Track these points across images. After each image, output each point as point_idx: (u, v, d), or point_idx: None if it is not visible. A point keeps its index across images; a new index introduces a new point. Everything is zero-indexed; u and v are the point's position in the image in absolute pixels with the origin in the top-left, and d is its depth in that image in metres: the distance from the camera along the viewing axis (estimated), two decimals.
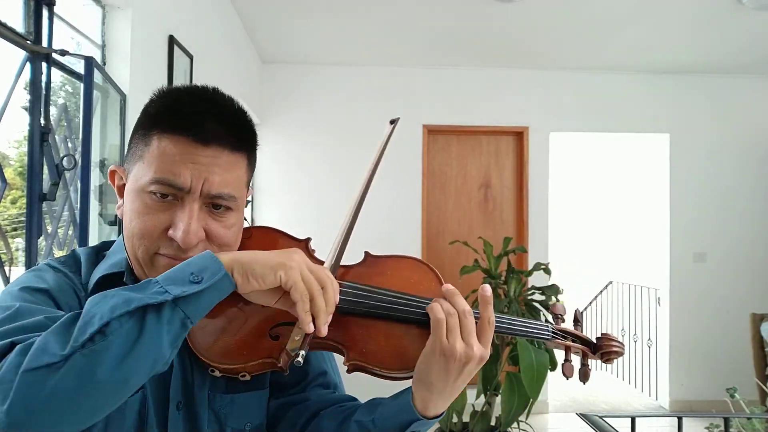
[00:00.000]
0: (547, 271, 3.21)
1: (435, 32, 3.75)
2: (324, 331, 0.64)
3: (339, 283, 0.72)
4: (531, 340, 2.96)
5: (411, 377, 0.72)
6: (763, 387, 3.43)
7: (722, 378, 4.08)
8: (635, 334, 5.12)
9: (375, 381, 0.75)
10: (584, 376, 0.79)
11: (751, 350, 3.73)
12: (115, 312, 0.55)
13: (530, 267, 3.53)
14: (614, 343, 0.79)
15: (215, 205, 0.72)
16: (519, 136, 4.54)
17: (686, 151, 4.53)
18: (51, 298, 0.69)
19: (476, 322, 0.71)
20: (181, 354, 0.75)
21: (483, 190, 4.57)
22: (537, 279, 3.86)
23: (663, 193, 4.60)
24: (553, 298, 3.07)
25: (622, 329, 5.32)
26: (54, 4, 1.59)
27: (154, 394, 0.73)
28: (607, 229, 7.00)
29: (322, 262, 0.77)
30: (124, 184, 0.75)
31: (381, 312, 0.73)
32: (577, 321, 0.83)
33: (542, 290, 3.09)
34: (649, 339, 4.88)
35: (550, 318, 0.83)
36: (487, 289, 0.72)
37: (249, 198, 0.85)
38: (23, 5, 1.53)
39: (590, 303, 5.91)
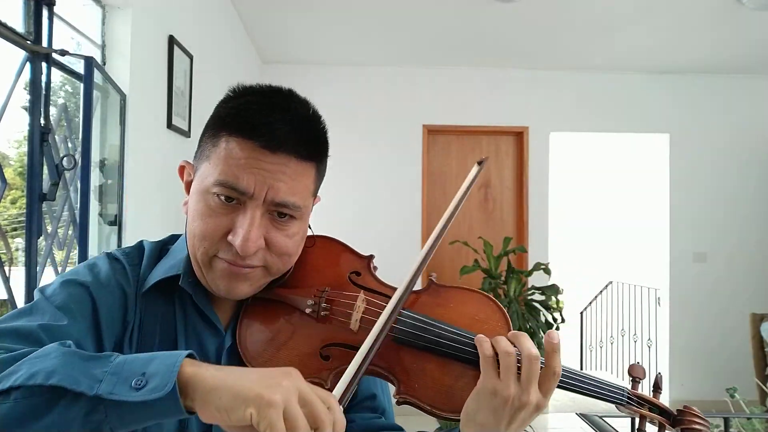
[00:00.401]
0: (547, 271, 3.21)
1: (435, 32, 3.75)
2: None
3: (400, 312, 0.69)
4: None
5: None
6: (763, 387, 3.43)
7: (722, 378, 4.07)
8: (635, 334, 5.12)
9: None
10: None
11: (751, 350, 3.73)
12: (32, 380, 0.49)
13: (530, 267, 3.53)
14: (698, 420, 0.69)
15: (279, 213, 0.70)
16: (519, 136, 4.54)
17: (686, 151, 4.53)
18: (88, 294, 0.68)
19: (540, 369, 0.65)
20: (230, 360, 0.74)
21: (483, 190, 4.57)
22: (537, 279, 3.87)
23: (663, 193, 4.60)
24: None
25: (622, 329, 5.32)
26: (54, 4, 1.59)
27: None
28: (607, 229, 7.00)
29: (388, 286, 0.74)
30: (192, 181, 0.74)
31: (439, 348, 0.68)
32: (658, 387, 0.73)
33: (542, 290, 3.09)
34: (649, 339, 4.88)
35: (623, 382, 0.73)
36: (555, 336, 0.64)
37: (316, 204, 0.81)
38: (23, 5, 1.53)
39: (590, 303, 5.91)
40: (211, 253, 0.70)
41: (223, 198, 0.68)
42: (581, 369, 5.84)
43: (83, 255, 1.57)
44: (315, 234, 0.81)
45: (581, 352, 5.59)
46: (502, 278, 3.18)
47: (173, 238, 0.82)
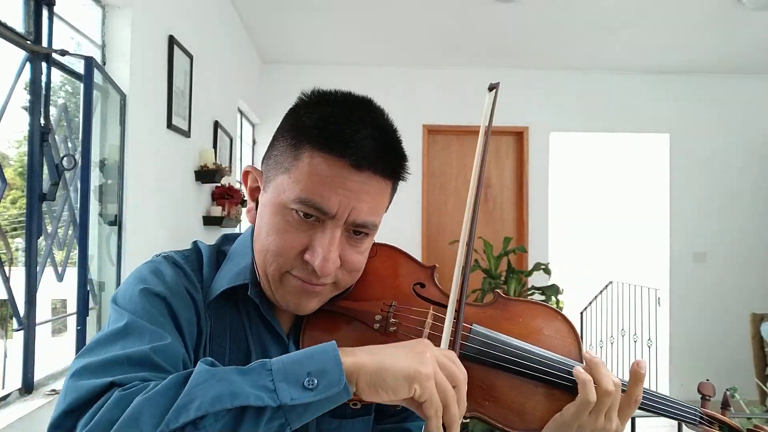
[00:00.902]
0: (547, 271, 3.21)
1: (435, 32, 3.75)
2: None
3: (467, 327, 0.69)
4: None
5: None
6: (763, 387, 3.43)
7: (722, 378, 4.07)
8: (635, 334, 5.11)
9: None
10: None
11: (751, 350, 3.73)
12: (215, 406, 0.51)
13: (530, 267, 3.53)
14: None
15: (356, 231, 0.68)
16: (519, 136, 4.54)
17: (686, 151, 4.53)
18: (167, 305, 0.66)
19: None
20: None
21: (483, 190, 4.57)
22: (537, 279, 3.87)
23: (663, 193, 4.60)
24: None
25: (622, 329, 5.32)
26: (54, 4, 1.59)
27: None
28: (607, 229, 6.99)
29: (445, 293, 0.73)
30: (257, 187, 0.73)
31: (511, 366, 0.68)
32: (727, 405, 0.73)
33: (542, 290, 3.09)
34: (649, 339, 4.88)
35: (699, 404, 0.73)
36: (643, 365, 0.65)
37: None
38: (23, 5, 1.53)
39: (590, 303, 5.90)
40: (285, 269, 0.68)
41: (302, 215, 0.66)
42: None
43: (83, 255, 1.57)
44: (377, 243, 0.79)
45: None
46: (502, 278, 3.18)
47: (225, 241, 0.80)
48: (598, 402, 0.64)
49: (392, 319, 0.71)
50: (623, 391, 0.66)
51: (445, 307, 0.70)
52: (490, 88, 0.80)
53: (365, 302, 0.73)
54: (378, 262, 0.78)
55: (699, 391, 0.74)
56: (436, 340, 0.67)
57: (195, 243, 0.78)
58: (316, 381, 0.53)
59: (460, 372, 0.58)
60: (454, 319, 0.67)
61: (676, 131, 4.54)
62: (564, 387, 0.67)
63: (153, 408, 0.51)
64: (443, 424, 0.55)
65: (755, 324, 3.72)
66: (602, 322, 5.72)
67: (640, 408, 0.69)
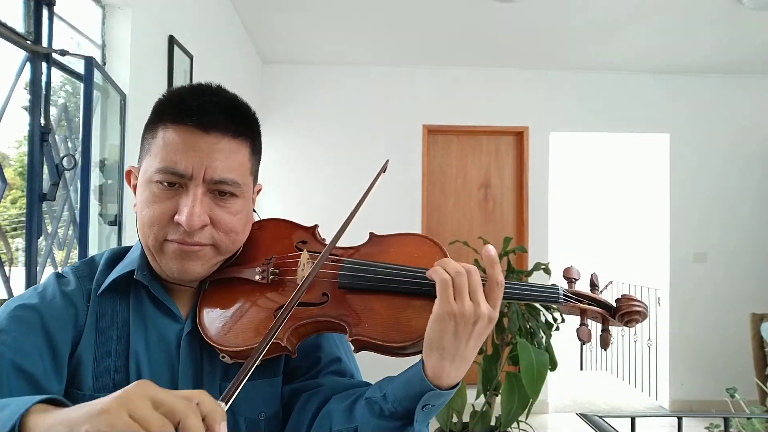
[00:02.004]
0: (547, 271, 3.21)
1: (435, 32, 3.75)
2: None
3: (338, 261, 0.75)
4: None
5: (417, 351, 0.70)
6: (763, 387, 3.43)
7: (722, 378, 4.08)
8: (635, 334, 5.12)
9: (392, 365, 0.74)
10: (604, 342, 0.73)
11: (751, 350, 3.73)
12: None
13: (530, 267, 3.53)
14: (635, 303, 0.72)
15: (220, 192, 0.74)
16: (519, 136, 4.54)
17: (686, 151, 4.53)
18: (34, 310, 0.72)
19: (483, 285, 0.68)
20: (191, 344, 0.76)
21: (483, 190, 4.57)
22: (537, 279, 3.86)
23: (663, 193, 4.60)
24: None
25: (622, 329, 5.32)
26: (54, 4, 1.59)
27: (162, 386, 0.68)
28: (607, 229, 7.00)
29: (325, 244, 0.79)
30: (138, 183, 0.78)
31: (380, 285, 0.73)
32: (594, 285, 0.77)
33: None
34: (649, 339, 4.88)
35: (563, 288, 0.76)
36: (491, 249, 0.68)
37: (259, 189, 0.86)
38: (23, 5, 1.53)
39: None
40: (161, 237, 0.73)
41: (165, 184, 0.72)
42: (581, 369, 5.84)
43: (83, 255, 1.57)
44: (262, 219, 0.87)
45: (581, 352, 5.60)
46: None
47: (135, 246, 0.85)
48: (455, 283, 0.66)
49: (272, 269, 0.77)
50: (484, 277, 0.68)
51: (320, 253, 0.75)
52: (383, 169, 0.90)
53: (250, 263, 0.80)
54: (263, 232, 0.84)
55: (564, 275, 0.77)
56: (324, 278, 0.75)
57: (92, 256, 0.84)
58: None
59: (187, 406, 0.47)
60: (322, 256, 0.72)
61: (676, 131, 4.54)
62: (433, 295, 0.69)
63: None
64: None
65: (755, 324, 3.72)
66: None
67: (507, 297, 0.72)
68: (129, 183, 0.82)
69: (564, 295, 0.74)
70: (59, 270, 0.81)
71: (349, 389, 0.79)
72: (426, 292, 0.71)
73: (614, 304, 0.74)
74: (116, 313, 0.77)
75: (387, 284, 0.73)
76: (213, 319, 0.75)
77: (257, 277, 0.77)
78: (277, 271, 0.78)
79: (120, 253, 0.83)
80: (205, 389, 0.72)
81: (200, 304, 0.77)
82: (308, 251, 0.79)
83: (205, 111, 0.73)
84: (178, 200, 0.72)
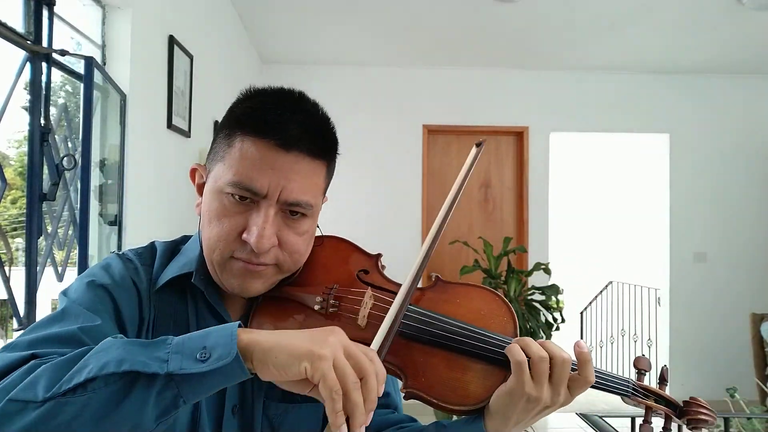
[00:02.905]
0: (547, 271, 3.21)
1: (435, 32, 3.75)
2: (360, 428, 0.54)
3: (408, 307, 0.70)
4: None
5: (469, 412, 0.68)
6: (763, 387, 3.43)
7: (722, 378, 4.08)
8: (635, 334, 5.12)
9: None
10: None
11: (751, 350, 3.73)
12: (105, 369, 0.52)
13: (530, 267, 3.53)
14: (704, 411, 0.69)
15: (292, 212, 0.72)
16: (519, 136, 4.54)
17: (686, 151, 4.53)
18: (108, 294, 0.70)
19: (572, 373, 0.67)
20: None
21: (483, 190, 4.57)
22: (537, 279, 3.87)
23: (663, 193, 4.60)
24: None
25: (622, 329, 5.32)
26: (54, 4, 1.59)
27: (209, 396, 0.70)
28: (607, 229, 7.00)
29: (395, 283, 0.76)
30: (204, 183, 0.76)
31: (445, 342, 0.69)
32: (664, 379, 0.73)
33: (542, 290, 3.09)
34: (649, 339, 4.88)
35: (631, 374, 0.74)
36: (584, 346, 0.66)
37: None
38: (23, 5, 1.53)
39: (590, 303, 5.91)
40: (227, 254, 0.71)
41: (237, 198, 0.70)
42: None
43: (83, 255, 1.57)
44: (324, 234, 0.83)
45: None
46: (502, 278, 3.18)
47: (185, 239, 0.83)
48: (537, 368, 0.64)
49: (332, 301, 0.74)
50: (573, 370, 0.66)
51: (386, 290, 0.74)
52: (477, 144, 0.82)
53: (309, 287, 0.76)
54: (324, 251, 0.81)
55: (635, 365, 0.74)
56: (375, 320, 0.70)
57: (152, 242, 0.81)
58: (209, 354, 0.54)
59: (371, 365, 0.56)
60: (399, 307, 0.68)
61: (676, 131, 4.54)
62: (499, 363, 0.68)
63: (52, 373, 0.53)
64: (347, 415, 0.54)
65: (755, 324, 3.72)
66: (602, 322, 5.72)
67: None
68: (193, 180, 0.79)
69: (634, 389, 0.72)
70: (122, 252, 0.78)
71: (396, 424, 0.80)
72: (494, 360, 0.68)
73: (681, 405, 0.72)
74: (175, 312, 0.76)
75: (452, 342, 0.69)
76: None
77: (316, 307, 0.73)
78: (338, 303, 0.74)
79: (175, 247, 0.81)
80: (252, 404, 0.74)
81: (252, 319, 0.75)
82: (372, 288, 0.75)
83: (288, 127, 0.70)
84: (248, 216, 0.70)
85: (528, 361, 0.65)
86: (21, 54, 1.50)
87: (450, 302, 0.74)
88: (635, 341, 5.08)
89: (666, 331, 4.57)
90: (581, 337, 5.66)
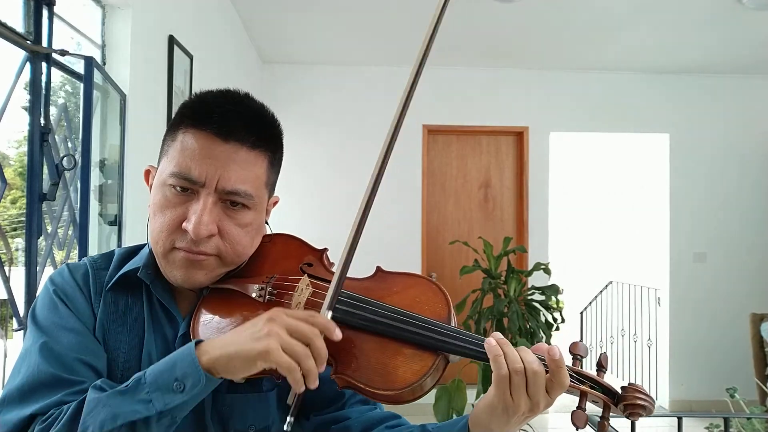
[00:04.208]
0: (547, 271, 3.21)
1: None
2: (315, 384, 0.63)
3: (341, 293, 0.71)
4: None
5: (395, 398, 0.67)
6: (763, 387, 3.43)
7: (722, 378, 4.07)
8: (635, 334, 5.12)
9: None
10: (601, 430, 0.68)
11: (751, 350, 3.73)
12: (104, 427, 0.61)
13: (530, 267, 3.53)
14: (642, 396, 0.67)
15: (232, 202, 0.73)
16: (519, 136, 4.54)
17: (686, 151, 4.53)
18: (68, 300, 0.75)
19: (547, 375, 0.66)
20: None
21: (483, 190, 4.57)
22: (537, 279, 3.87)
23: (663, 193, 4.60)
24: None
25: (622, 329, 5.32)
26: (54, 4, 1.59)
27: None
28: (607, 229, 7.00)
29: (331, 271, 0.78)
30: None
31: (375, 326, 0.70)
32: (602, 366, 0.71)
33: (542, 290, 3.09)
34: (649, 339, 4.88)
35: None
36: (556, 352, 0.65)
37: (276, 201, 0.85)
38: (23, 5, 1.53)
39: (590, 303, 5.91)
40: (169, 244, 0.73)
41: (178, 188, 0.72)
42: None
43: (83, 255, 1.57)
44: (274, 232, 0.86)
45: None
46: (502, 278, 3.18)
47: (146, 244, 0.85)
48: (512, 381, 0.65)
49: (270, 289, 0.76)
50: (547, 372, 0.66)
51: (325, 280, 0.76)
52: None
53: (252, 278, 0.79)
54: (271, 246, 0.83)
55: (570, 351, 0.71)
56: (312, 306, 0.73)
57: (113, 250, 0.84)
58: (182, 384, 0.62)
59: (313, 329, 0.63)
60: (335, 288, 0.70)
61: (676, 131, 4.54)
62: (428, 347, 0.68)
63: None
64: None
65: (755, 324, 3.72)
66: (602, 322, 5.72)
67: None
68: (147, 182, 0.82)
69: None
70: (70, 262, 0.81)
71: (380, 422, 0.81)
72: (419, 342, 0.68)
73: (619, 391, 0.70)
74: (128, 308, 0.78)
75: (382, 327, 0.69)
76: (205, 328, 0.75)
77: (254, 295, 0.76)
78: (275, 291, 0.76)
79: (133, 251, 0.83)
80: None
81: (197, 310, 0.77)
82: (310, 276, 0.77)
83: (227, 119, 0.72)
84: (188, 207, 0.72)
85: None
86: (21, 54, 1.50)
87: (386, 290, 0.75)
88: (635, 341, 5.08)
89: (666, 331, 4.57)
90: (581, 337, 5.66)
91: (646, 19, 3.47)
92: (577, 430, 0.67)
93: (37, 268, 1.52)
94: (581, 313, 5.85)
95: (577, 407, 0.67)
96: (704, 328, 4.49)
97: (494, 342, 0.66)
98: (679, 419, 1.72)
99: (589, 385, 0.69)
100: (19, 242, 1.60)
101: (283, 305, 0.74)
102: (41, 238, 1.54)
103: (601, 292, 5.81)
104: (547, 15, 3.41)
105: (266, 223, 0.84)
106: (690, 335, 4.50)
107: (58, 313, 0.74)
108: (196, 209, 0.71)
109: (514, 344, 0.67)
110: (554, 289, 3.08)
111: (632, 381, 0.73)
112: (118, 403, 0.62)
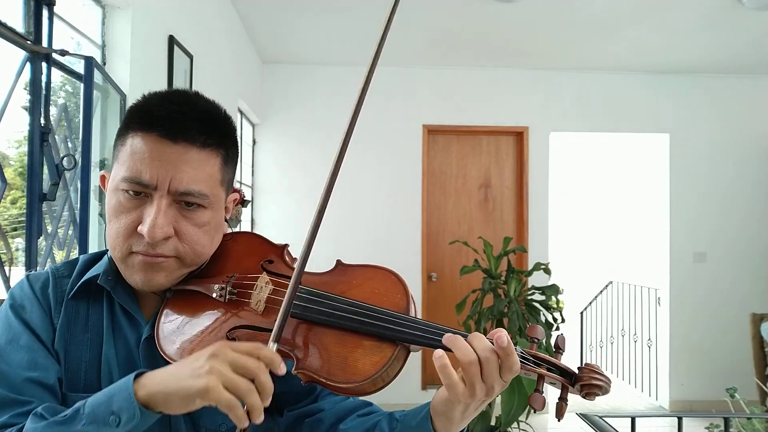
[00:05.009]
0: (547, 271, 3.21)
1: (435, 32, 3.75)
2: (261, 419, 0.61)
3: (300, 289, 0.71)
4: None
5: (356, 390, 0.68)
6: (763, 387, 3.43)
7: (722, 378, 4.08)
8: (635, 334, 5.12)
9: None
10: (559, 411, 0.67)
11: (751, 350, 3.73)
12: None
13: (530, 267, 3.53)
14: (598, 376, 0.67)
15: (187, 203, 0.73)
16: (519, 136, 4.54)
17: (686, 151, 4.53)
18: (18, 319, 0.75)
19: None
20: (150, 349, 0.76)
21: (483, 190, 4.57)
22: (537, 279, 3.87)
23: (663, 193, 4.60)
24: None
25: (622, 329, 5.32)
26: (54, 4, 1.59)
27: None
28: (607, 229, 7.00)
29: (291, 267, 0.78)
30: None
31: (333, 320, 0.70)
32: (559, 349, 0.70)
33: (542, 290, 3.09)
34: (649, 339, 4.88)
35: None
36: (504, 338, 0.64)
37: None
38: (23, 5, 1.53)
39: (590, 303, 5.91)
40: (126, 250, 0.73)
41: (131, 193, 0.71)
42: None
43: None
44: (235, 231, 0.85)
45: (581, 352, 5.59)
46: (502, 278, 3.18)
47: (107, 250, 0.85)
48: (466, 376, 0.64)
49: (230, 288, 0.75)
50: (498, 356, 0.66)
51: (286, 276, 0.75)
52: None
53: (213, 278, 0.78)
54: (232, 245, 0.83)
55: (527, 335, 0.71)
56: (273, 304, 0.73)
57: (77, 257, 0.83)
58: (118, 418, 0.62)
59: (258, 364, 0.61)
60: (293, 287, 0.69)
61: (676, 131, 4.54)
62: (387, 338, 0.68)
63: None
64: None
65: (755, 324, 3.72)
66: (602, 322, 5.72)
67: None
68: (104, 188, 0.81)
69: (522, 356, 0.68)
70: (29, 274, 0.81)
71: (353, 412, 0.81)
72: (378, 333, 0.69)
73: (576, 372, 0.69)
74: (90, 317, 0.78)
75: (340, 320, 0.70)
76: (169, 330, 0.75)
77: (214, 295, 0.75)
78: (236, 291, 0.76)
79: (96, 257, 0.83)
80: None
81: (160, 312, 0.77)
82: (269, 273, 0.77)
83: (174, 120, 0.71)
84: (142, 210, 0.71)
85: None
86: (21, 54, 1.50)
87: (345, 283, 0.75)
88: (635, 341, 5.08)
89: (666, 331, 4.57)
90: (581, 338, 5.66)
91: (646, 19, 3.47)
92: (535, 412, 0.66)
93: (38, 268, 1.52)
94: (581, 313, 5.85)
95: (534, 390, 0.67)
96: (704, 328, 4.49)
97: (440, 353, 0.64)
98: (679, 419, 1.72)
99: (546, 368, 0.69)
100: (19, 242, 1.60)
101: (244, 304, 0.75)
102: (41, 238, 1.54)
103: (601, 292, 5.82)
104: (547, 15, 3.41)
105: (227, 221, 0.84)
106: (690, 335, 4.50)
107: (11, 330, 0.73)
108: (150, 212, 0.70)
109: (515, 344, 0.67)
110: (554, 289, 3.08)
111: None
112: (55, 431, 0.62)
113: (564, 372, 0.69)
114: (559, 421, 0.70)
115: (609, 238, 6.88)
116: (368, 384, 0.67)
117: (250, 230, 0.85)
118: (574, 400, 0.70)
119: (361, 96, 0.78)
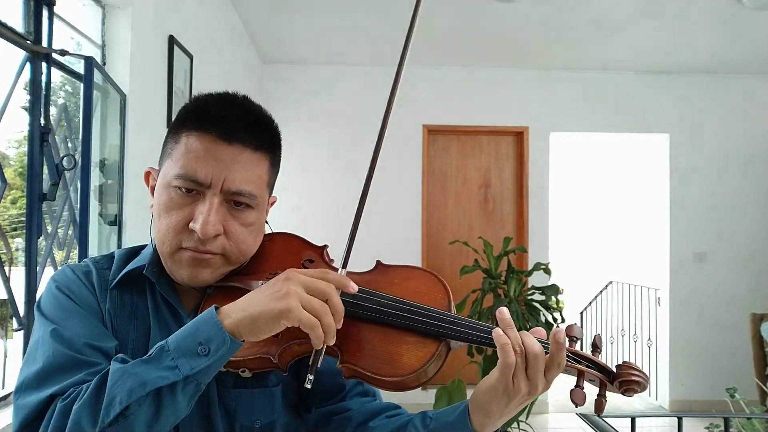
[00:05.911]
0: (547, 271, 3.21)
1: (435, 32, 3.75)
2: (333, 340, 0.66)
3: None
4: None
5: (402, 386, 0.70)
6: (763, 387, 3.43)
7: (722, 378, 4.08)
8: (635, 334, 5.12)
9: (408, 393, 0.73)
10: (598, 407, 0.70)
11: (751, 350, 3.73)
12: (133, 396, 0.61)
13: (530, 267, 3.53)
14: (636, 373, 0.70)
15: (236, 202, 0.76)
16: (519, 136, 4.54)
17: (686, 151, 4.53)
18: (74, 297, 0.76)
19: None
20: None
21: (483, 190, 4.57)
22: (537, 279, 3.86)
23: (663, 193, 4.60)
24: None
25: (622, 329, 5.32)
26: (54, 4, 1.59)
27: None
28: (607, 229, 7.00)
29: (336, 269, 0.79)
30: (156, 185, 0.79)
31: (379, 316, 0.73)
32: (597, 347, 0.74)
33: (542, 290, 3.09)
34: (649, 339, 4.88)
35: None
36: (561, 336, 0.67)
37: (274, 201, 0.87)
38: (23, 5, 1.53)
39: (590, 303, 5.91)
40: (176, 245, 0.75)
41: (183, 190, 0.74)
42: None
43: (83, 255, 1.57)
44: (273, 232, 0.88)
45: None
46: (502, 278, 3.18)
47: (146, 245, 0.86)
48: (516, 365, 0.67)
49: None
50: (547, 353, 0.68)
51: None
52: None
53: (255, 275, 0.81)
54: (273, 245, 0.85)
55: (566, 333, 0.73)
56: None
57: (113, 252, 0.86)
58: (207, 348, 0.63)
59: (329, 285, 0.66)
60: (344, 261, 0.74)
61: (676, 131, 4.54)
62: (431, 334, 0.71)
63: (87, 411, 0.62)
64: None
65: (755, 324, 3.72)
66: (602, 322, 5.72)
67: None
68: (147, 183, 0.83)
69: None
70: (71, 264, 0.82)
71: (380, 413, 0.83)
72: (422, 329, 0.71)
73: (614, 370, 0.72)
74: (135, 305, 0.79)
75: (386, 317, 0.72)
76: None
77: None
78: None
79: (135, 251, 0.85)
80: (207, 393, 0.78)
81: (202, 307, 0.78)
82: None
83: (229, 121, 0.74)
84: (194, 207, 0.74)
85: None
86: (21, 54, 1.50)
87: (387, 282, 0.78)
88: (635, 341, 5.08)
89: (666, 331, 4.57)
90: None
91: (646, 20, 3.47)
92: (576, 406, 0.69)
93: (37, 268, 1.52)
94: (581, 313, 5.85)
95: (575, 386, 0.69)
96: (704, 328, 4.49)
97: (501, 331, 0.68)
98: (679, 419, 1.72)
99: (585, 365, 0.72)
100: (19, 242, 1.60)
101: None
102: (41, 238, 1.54)
103: (601, 292, 5.82)
104: (547, 15, 3.41)
105: (266, 222, 0.86)
106: (690, 335, 4.50)
107: (63, 306, 0.74)
108: (202, 210, 0.73)
109: None
110: (554, 289, 3.08)
111: (626, 360, 0.74)
112: (143, 371, 0.63)
113: (603, 369, 0.72)
114: (599, 416, 0.73)
115: (609, 238, 6.87)
116: (412, 378, 0.69)
117: (289, 232, 0.87)
118: (556, 398, 0.72)
119: (390, 98, 0.88)
